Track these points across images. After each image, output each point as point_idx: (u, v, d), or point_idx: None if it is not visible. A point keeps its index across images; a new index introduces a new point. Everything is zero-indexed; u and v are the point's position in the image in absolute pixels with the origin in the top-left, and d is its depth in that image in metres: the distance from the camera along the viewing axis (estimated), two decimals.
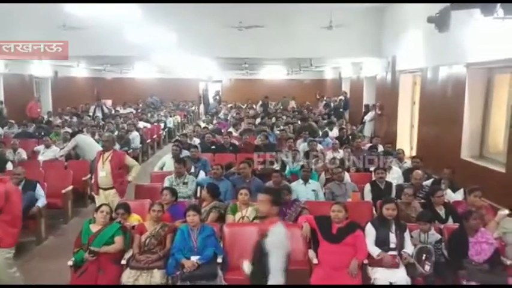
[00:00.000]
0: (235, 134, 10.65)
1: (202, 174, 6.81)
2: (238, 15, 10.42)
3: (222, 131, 11.66)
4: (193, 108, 22.11)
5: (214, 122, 14.37)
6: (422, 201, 5.42)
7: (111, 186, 5.86)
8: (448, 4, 5.32)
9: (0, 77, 13.39)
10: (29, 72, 15.29)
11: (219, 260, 4.30)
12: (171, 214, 4.94)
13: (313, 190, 5.93)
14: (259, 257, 3.00)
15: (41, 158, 8.21)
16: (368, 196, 5.94)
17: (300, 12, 10.93)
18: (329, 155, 7.79)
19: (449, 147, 7.67)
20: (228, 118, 15.20)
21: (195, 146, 8.03)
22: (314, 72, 21.03)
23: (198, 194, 6.05)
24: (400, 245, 4.36)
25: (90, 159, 7.73)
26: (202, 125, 13.10)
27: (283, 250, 2.99)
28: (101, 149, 6.62)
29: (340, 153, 7.93)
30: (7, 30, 10.35)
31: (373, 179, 6.22)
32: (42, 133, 10.48)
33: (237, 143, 9.20)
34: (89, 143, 8.25)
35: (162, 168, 7.41)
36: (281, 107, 18.74)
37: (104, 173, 5.83)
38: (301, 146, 8.72)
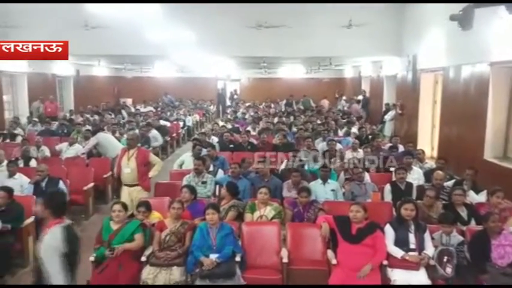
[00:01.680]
0: (253, 132, 10.66)
1: (220, 172, 6.83)
2: (257, 14, 10.43)
3: (240, 129, 11.71)
4: (211, 107, 22.22)
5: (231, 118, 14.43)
6: (444, 202, 5.33)
7: (136, 183, 5.93)
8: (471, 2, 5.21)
9: (25, 75, 13.72)
10: (52, 71, 15.63)
11: (238, 258, 4.32)
12: (191, 212, 4.97)
13: (332, 190, 5.89)
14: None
15: (64, 155, 8.37)
16: (388, 197, 5.87)
17: (319, 11, 10.87)
18: (348, 154, 7.73)
19: (472, 148, 7.52)
20: (246, 117, 15.23)
21: (213, 145, 8.08)
22: (333, 70, 20.88)
23: (217, 193, 6.09)
24: (420, 246, 4.30)
25: (111, 156, 7.84)
26: (221, 123, 13.15)
27: (57, 255, 3.01)
28: (122, 146, 6.70)
29: (360, 153, 7.85)
30: (29, 30, 10.56)
31: (394, 179, 6.14)
32: (65, 131, 10.68)
33: (255, 141, 9.21)
34: (110, 141, 8.38)
35: (181, 166, 7.48)
36: (301, 107, 18.63)
37: (128, 169, 5.89)
38: (320, 145, 8.68)
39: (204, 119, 19.23)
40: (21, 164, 7.14)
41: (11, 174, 6.30)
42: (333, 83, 22.73)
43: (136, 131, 10.74)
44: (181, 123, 15.30)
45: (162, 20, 10.18)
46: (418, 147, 8.78)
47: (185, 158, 7.56)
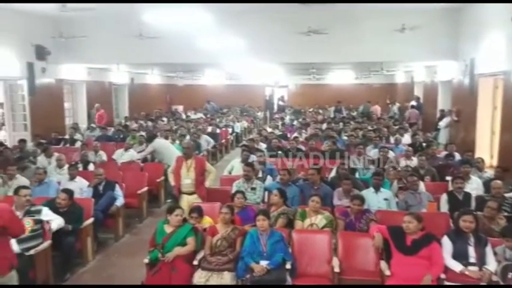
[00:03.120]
0: (301, 139, 10.60)
1: (269, 179, 6.84)
2: (306, 20, 10.37)
3: (288, 135, 11.69)
4: (259, 113, 22.40)
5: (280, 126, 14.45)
6: (506, 214, 5.02)
7: (193, 191, 6.07)
8: None
9: (84, 84, 14.49)
10: (108, 79, 16.41)
11: (288, 266, 4.28)
12: (241, 217, 5.01)
13: (385, 199, 5.71)
14: None
15: (119, 160, 8.71)
16: (444, 207, 5.62)
17: (370, 16, 10.66)
18: (402, 162, 7.49)
19: None
20: (294, 123, 15.19)
21: (262, 151, 8.11)
22: (384, 76, 20.39)
23: (266, 199, 6.10)
24: (481, 261, 4.07)
25: (167, 164, 7.97)
26: (269, 129, 13.21)
27: None
28: (178, 153, 6.85)
29: (414, 161, 7.59)
30: (88, 40, 11.15)
31: (450, 189, 5.88)
32: (121, 136, 11.14)
33: (303, 148, 9.15)
34: (167, 147, 8.62)
35: (230, 172, 7.58)
36: (361, 112, 18.32)
37: (189, 180, 6.04)
38: (372, 152, 8.47)
39: (252, 125, 19.40)
40: (80, 167, 7.51)
41: (72, 178, 6.65)
42: (384, 89, 22.20)
43: (188, 137, 11.05)
44: (230, 130, 15.55)
45: (214, 29, 10.43)
46: (476, 155, 8.36)
47: (235, 163, 7.65)
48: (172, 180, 6.27)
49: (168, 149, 8.58)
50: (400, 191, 6.14)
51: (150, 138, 9.06)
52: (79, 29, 11.00)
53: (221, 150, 13.30)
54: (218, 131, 14.01)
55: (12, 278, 3.46)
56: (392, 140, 10.31)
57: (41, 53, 11.28)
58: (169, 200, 7.66)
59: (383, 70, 16.59)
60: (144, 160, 8.76)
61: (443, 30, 10.92)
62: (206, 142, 11.41)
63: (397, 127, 12.13)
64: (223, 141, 13.74)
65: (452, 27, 10.86)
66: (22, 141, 9.38)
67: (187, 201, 5.95)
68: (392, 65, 16.33)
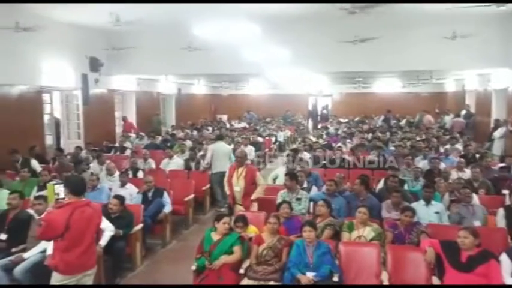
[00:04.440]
0: (344, 149, 10.41)
1: (314, 189, 6.77)
2: (353, 28, 10.26)
3: (333, 145, 11.53)
4: (303, 122, 22.31)
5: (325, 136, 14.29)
6: None
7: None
8: None
9: (133, 94, 15.06)
10: (157, 89, 16.95)
11: (335, 278, 4.20)
12: (286, 227, 4.98)
13: (437, 212, 5.49)
14: None
15: (167, 168, 8.92)
16: (501, 222, 5.31)
17: (419, 23, 10.38)
18: (453, 174, 7.19)
19: None
20: (339, 132, 14.98)
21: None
22: (432, 84, 19.75)
23: (311, 210, 6.03)
24: None
25: (219, 170, 8.07)
26: (313, 139, 13.10)
27: None
28: (231, 162, 6.91)
29: (467, 173, 7.25)
30: (138, 51, 11.58)
31: (508, 203, 5.57)
32: (168, 144, 11.44)
33: (348, 158, 8.99)
34: (223, 153, 8.40)
35: (274, 180, 7.57)
36: (411, 122, 17.81)
37: (238, 188, 6.16)
38: (421, 163, 8.19)
39: (296, 134, 19.33)
40: (130, 175, 7.76)
41: (122, 184, 6.89)
42: (433, 98, 21.44)
43: (232, 145, 11.16)
44: (273, 139, 15.58)
45: (259, 39, 10.52)
46: None
47: (279, 172, 7.64)
48: (227, 189, 6.38)
49: (224, 155, 8.35)
50: (452, 204, 5.88)
51: (219, 137, 9.06)
52: (130, 42, 11.47)
53: (264, 160, 13.31)
54: (261, 140, 14.07)
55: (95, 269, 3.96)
56: (442, 150, 9.91)
57: (95, 64, 11.86)
58: (223, 209, 7.76)
59: (432, 78, 16.08)
60: (189, 168, 8.91)
61: (497, 36, 10.47)
62: (249, 151, 11.45)
63: (448, 137, 11.65)
64: (267, 150, 13.76)
65: (506, 34, 10.38)
66: (78, 148, 9.85)
67: (239, 209, 6.02)
68: (442, 73, 15.79)
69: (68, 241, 3.60)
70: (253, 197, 6.21)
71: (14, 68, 9.15)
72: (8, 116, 9.02)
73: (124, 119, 14.43)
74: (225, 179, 6.61)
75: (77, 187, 3.79)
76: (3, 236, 5.09)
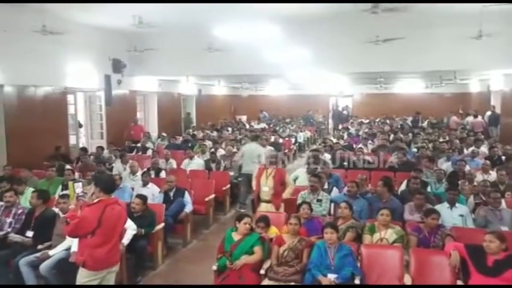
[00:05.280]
0: (366, 150, 10.29)
1: (335, 191, 6.71)
2: (375, 28, 10.13)
3: (354, 146, 11.42)
4: (325, 122, 22.19)
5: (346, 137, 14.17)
6: None
7: (270, 199, 6.13)
8: None
9: (155, 95, 15.24)
10: (177, 90, 17.12)
11: (357, 281, 4.16)
12: (306, 229, 4.96)
13: (461, 215, 5.37)
14: None
15: (187, 168, 9.00)
16: None
17: (443, 22, 10.16)
18: (478, 176, 7.03)
19: None
20: (360, 133, 14.83)
21: (326, 162, 7.99)
22: (456, 85, 19.32)
23: (331, 211, 5.99)
24: None
25: (246, 171, 8.09)
26: (334, 140, 13.00)
27: None
28: (261, 163, 6.89)
29: (492, 175, 7.08)
30: (160, 53, 11.70)
31: None
32: (189, 145, 11.54)
33: (370, 159, 8.89)
34: (253, 155, 8.29)
35: (295, 181, 7.54)
36: (432, 122, 17.54)
37: (266, 188, 6.14)
38: (445, 165, 8.03)
39: (316, 135, 19.23)
40: (152, 174, 7.85)
41: (145, 184, 6.97)
42: (456, 99, 21.01)
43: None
44: (293, 140, 15.53)
45: (280, 40, 10.52)
46: None
47: (299, 173, 7.60)
48: (254, 185, 6.44)
49: (253, 157, 8.25)
50: (477, 207, 5.75)
51: (255, 138, 9.05)
52: (152, 43, 11.60)
53: (283, 160, 13.28)
54: (281, 140, 14.04)
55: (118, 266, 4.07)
56: (465, 152, 9.69)
57: (117, 66, 12.06)
58: (243, 210, 7.72)
59: (456, 79, 15.74)
60: (209, 168, 8.96)
61: None
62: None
63: (472, 138, 11.37)
64: (286, 151, 13.72)
65: None
66: (100, 148, 10.02)
67: (265, 208, 6.02)
68: (467, 73, 15.43)
69: (99, 237, 3.71)
70: (284, 196, 6.19)
71: (40, 70, 9.38)
72: (34, 116, 9.24)
73: (134, 122, 13.45)
74: (254, 174, 6.61)
75: (107, 185, 3.92)
76: (30, 234, 5.23)
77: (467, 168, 7.52)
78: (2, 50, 8.25)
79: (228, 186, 8.33)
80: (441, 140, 11.57)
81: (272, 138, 13.74)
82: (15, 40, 8.42)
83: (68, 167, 7.94)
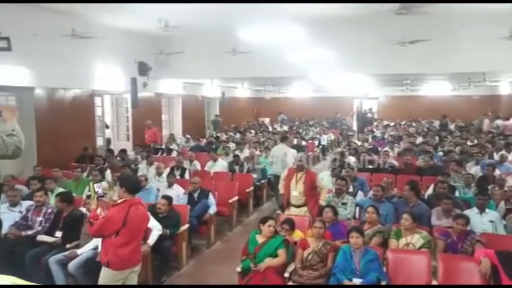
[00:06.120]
0: (391, 153, 10.12)
1: (360, 194, 6.63)
2: (401, 29, 9.96)
3: (379, 149, 11.26)
4: (349, 124, 21.97)
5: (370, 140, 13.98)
6: None
7: (303, 203, 5.98)
8: None
9: (180, 97, 15.43)
10: (201, 93, 17.28)
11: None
12: (331, 232, 4.92)
13: (491, 221, 5.22)
14: None
15: (211, 170, 9.06)
16: None
17: (472, 23, 9.91)
18: (509, 181, 6.82)
19: None
20: (385, 136, 14.61)
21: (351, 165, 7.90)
22: (485, 87, 18.82)
23: (357, 215, 5.91)
24: None
25: (274, 172, 8.05)
26: (358, 143, 12.85)
27: None
28: (291, 164, 6.83)
29: None
30: (184, 56, 11.83)
31: None
32: (213, 147, 11.61)
33: (395, 162, 8.74)
34: (279, 156, 8.10)
35: None
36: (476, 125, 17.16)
37: (296, 192, 6.01)
38: (473, 169, 7.83)
39: (341, 138, 19.05)
40: (177, 176, 7.93)
41: (170, 185, 7.06)
42: (485, 101, 20.43)
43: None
44: (316, 142, 15.42)
45: (304, 42, 10.47)
46: None
47: (324, 176, 7.52)
48: (281, 188, 6.30)
49: (280, 157, 8.08)
50: (508, 212, 5.57)
51: (283, 139, 9.03)
52: (177, 47, 11.75)
53: (307, 163, 13.18)
54: (304, 143, 13.96)
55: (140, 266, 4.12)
56: (496, 156, 9.40)
57: (143, 69, 12.25)
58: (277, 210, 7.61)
59: (485, 81, 15.32)
60: (233, 171, 8.99)
61: None
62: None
63: (503, 142, 11.03)
64: (310, 154, 13.63)
65: None
66: (122, 152, 10.11)
67: (294, 213, 5.88)
68: (497, 75, 15.01)
69: (123, 237, 3.78)
70: (321, 201, 5.95)
71: (69, 73, 9.63)
72: (63, 118, 9.49)
73: (148, 126, 12.44)
74: (282, 176, 6.45)
75: (132, 186, 4.02)
76: (59, 233, 5.36)
77: (497, 172, 7.31)
78: (33, 53, 8.50)
79: (252, 188, 8.34)
80: (469, 143, 11.26)
81: (295, 141, 13.68)
82: (45, 44, 8.67)
83: (109, 174, 7.96)
